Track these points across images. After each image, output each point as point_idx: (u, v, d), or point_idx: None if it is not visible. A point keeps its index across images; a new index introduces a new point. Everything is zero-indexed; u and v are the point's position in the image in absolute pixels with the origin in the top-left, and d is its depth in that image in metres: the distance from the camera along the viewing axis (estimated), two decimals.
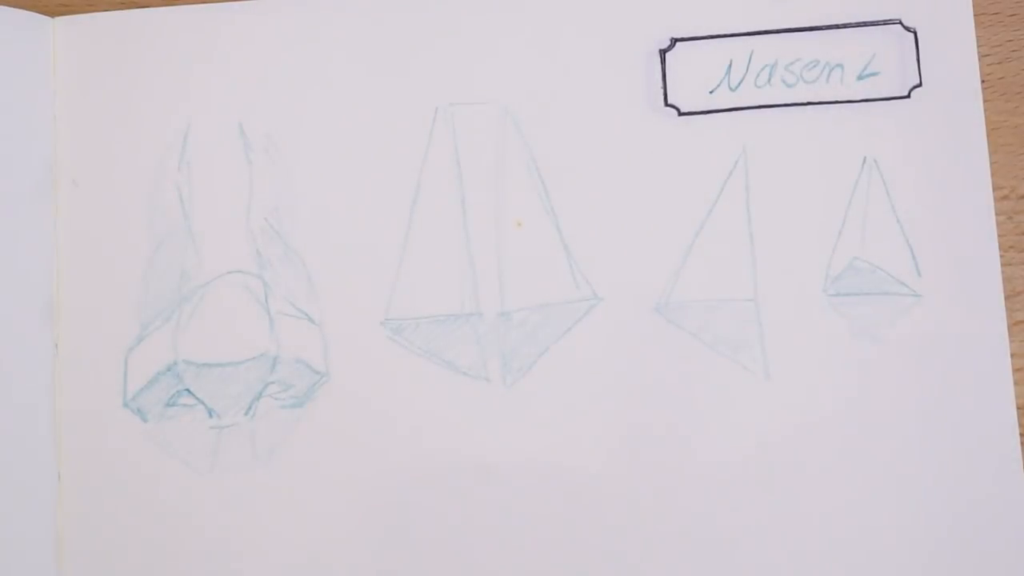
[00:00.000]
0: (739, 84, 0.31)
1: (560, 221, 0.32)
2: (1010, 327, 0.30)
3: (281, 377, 0.31)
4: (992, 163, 0.31)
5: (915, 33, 0.31)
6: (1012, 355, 0.30)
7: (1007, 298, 0.31)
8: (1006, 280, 0.31)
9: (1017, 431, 0.30)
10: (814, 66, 0.31)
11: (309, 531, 0.31)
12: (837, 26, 0.31)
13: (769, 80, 0.31)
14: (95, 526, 0.31)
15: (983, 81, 0.31)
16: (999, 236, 0.31)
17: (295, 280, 0.31)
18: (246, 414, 0.31)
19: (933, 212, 0.31)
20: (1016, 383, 0.30)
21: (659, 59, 0.32)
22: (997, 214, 0.31)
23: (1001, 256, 0.31)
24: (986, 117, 0.31)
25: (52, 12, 0.32)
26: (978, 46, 0.31)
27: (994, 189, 0.31)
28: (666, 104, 0.32)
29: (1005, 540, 0.30)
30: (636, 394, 0.31)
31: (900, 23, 0.31)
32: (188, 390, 0.31)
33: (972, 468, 0.30)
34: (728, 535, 0.30)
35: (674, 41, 0.32)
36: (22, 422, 0.30)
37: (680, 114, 0.32)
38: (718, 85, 0.32)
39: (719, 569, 0.30)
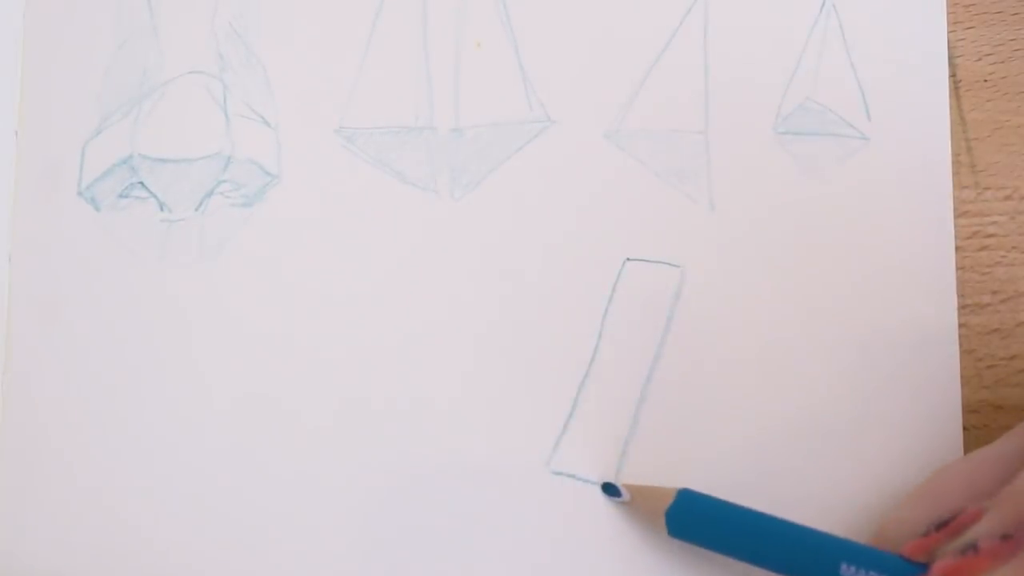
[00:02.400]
0: None
1: (519, 44, 0.32)
2: (1013, 328, 0.31)
3: (233, 176, 0.32)
4: (995, 163, 0.31)
5: None
6: (1014, 356, 0.30)
7: (1011, 298, 0.31)
8: (1009, 281, 0.31)
9: (954, 275, 0.31)
10: None
11: (250, 324, 0.31)
12: None
13: None
14: (42, 309, 0.31)
15: (985, 80, 0.31)
16: (1002, 236, 0.31)
17: (254, 84, 0.32)
18: (196, 210, 0.31)
19: (887, 58, 0.32)
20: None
21: None
22: (1000, 214, 0.31)
23: (1003, 256, 0.31)
24: (988, 117, 0.31)
25: None
26: (980, 45, 0.32)
27: (996, 189, 0.31)
28: None
29: (925, 384, 0.30)
30: (581, 216, 0.31)
31: None
32: (142, 183, 0.32)
33: (907, 307, 0.30)
34: None
35: None
36: None
37: None
38: None
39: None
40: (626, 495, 0.29)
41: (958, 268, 0.31)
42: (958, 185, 0.31)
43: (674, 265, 0.31)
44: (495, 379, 0.31)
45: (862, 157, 0.31)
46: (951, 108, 0.31)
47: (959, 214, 0.31)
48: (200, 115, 0.32)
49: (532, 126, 0.32)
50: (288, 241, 0.31)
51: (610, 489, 0.30)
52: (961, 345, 0.30)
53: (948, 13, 0.32)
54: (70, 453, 0.31)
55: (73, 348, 0.31)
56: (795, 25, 0.32)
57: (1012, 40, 0.32)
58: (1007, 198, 0.31)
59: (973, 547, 0.23)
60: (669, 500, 0.28)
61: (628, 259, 0.31)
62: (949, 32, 0.32)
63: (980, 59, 0.32)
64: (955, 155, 0.31)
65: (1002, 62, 0.32)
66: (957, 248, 0.31)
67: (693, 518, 0.28)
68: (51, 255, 0.31)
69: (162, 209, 0.31)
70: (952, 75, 0.32)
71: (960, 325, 0.30)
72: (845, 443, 0.30)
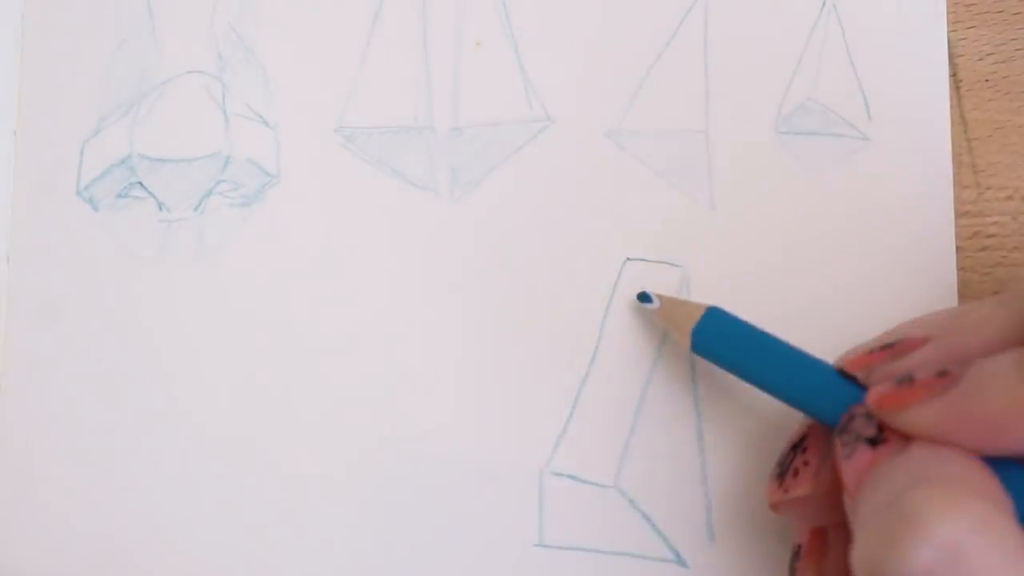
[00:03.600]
0: None
1: (518, 43, 0.32)
2: None
3: (232, 176, 0.31)
4: (996, 163, 0.31)
5: None
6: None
7: None
8: (1010, 281, 0.31)
9: (955, 275, 0.31)
10: None
11: (249, 324, 0.31)
12: None
13: None
14: (41, 308, 0.31)
15: (986, 80, 0.31)
16: (1003, 236, 0.31)
17: (253, 84, 0.32)
18: (195, 210, 0.31)
19: (888, 58, 0.31)
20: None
21: None
22: (1001, 214, 0.31)
23: (1004, 257, 0.31)
24: (990, 117, 0.31)
25: None
26: (981, 45, 0.32)
27: (998, 189, 0.31)
28: None
29: None
30: (581, 216, 0.31)
31: None
32: (140, 183, 0.31)
33: (907, 308, 0.30)
34: None
35: None
36: None
37: None
38: None
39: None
40: (657, 303, 0.29)
41: (959, 269, 0.31)
42: (959, 185, 0.31)
43: (675, 265, 0.31)
44: (495, 379, 0.31)
45: (863, 157, 0.31)
46: (952, 108, 0.31)
47: (960, 214, 0.31)
48: (199, 115, 0.32)
49: (532, 125, 0.32)
50: (287, 241, 0.31)
51: (644, 297, 0.30)
52: None
53: (949, 13, 0.32)
54: (67, 452, 0.31)
55: (72, 348, 0.31)
56: (795, 25, 0.32)
57: (1013, 40, 0.32)
58: (1008, 198, 0.31)
59: (909, 378, 0.23)
60: (698, 315, 0.28)
61: (629, 259, 0.31)
62: (950, 32, 0.32)
63: (981, 59, 0.32)
64: (956, 155, 0.31)
65: (1003, 62, 0.32)
66: (958, 248, 0.31)
67: (717, 337, 0.28)
68: (50, 255, 0.31)
69: (161, 209, 0.31)
70: (953, 75, 0.32)
71: None
72: None
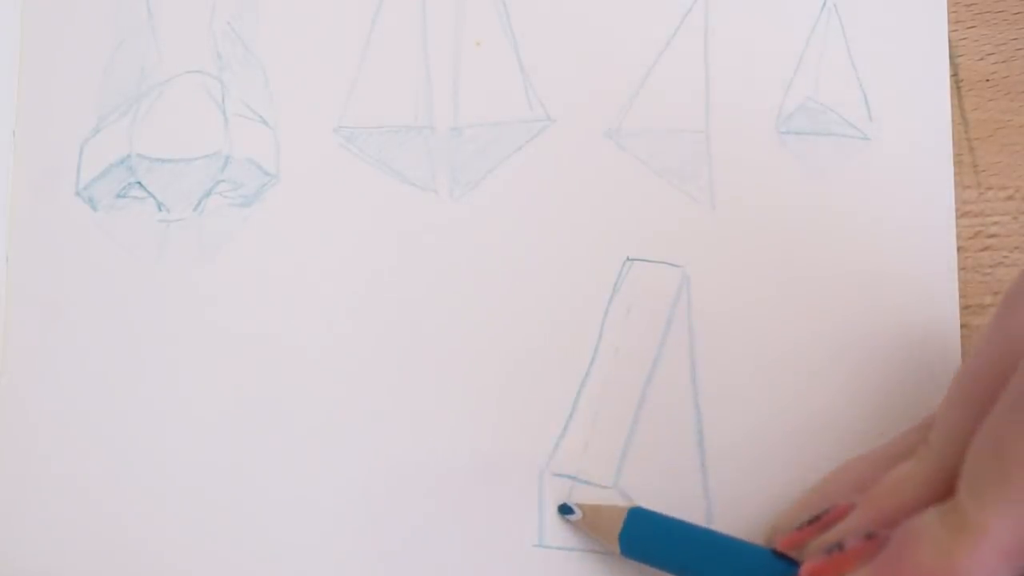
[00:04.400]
0: None
1: (518, 43, 0.32)
2: None
3: (232, 176, 0.31)
4: (997, 163, 0.31)
5: None
6: None
7: None
8: (1013, 281, 0.30)
9: (956, 276, 0.31)
10: None
11: (248, 323, 0.31)
12: None
13: None
14: (40, 309, 0.31)
15: (987, 80, 0.31)
16: (1004, 236, 0.31)
17: (252, 84, 0.32)
18: (195, 210, 0.31)
19: (888, 58, 0.31)
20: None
21: None
22: (1002, 214, 0.31)
23: (1005, 257, 0.31)
24: (991, 116, 0.31)
25: None
26: (982, 44, 0.31)
27: (999, 189, 0.31)
28: None
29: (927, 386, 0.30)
30: (581, 215, 0.31)
31: None
32: (140, 183, 0.31)
33: (909, 308, 0.30)
34: None
35: None
36: None
37: None
38: None
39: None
40: (578, 513, 0.29)
41: (960, 269, 0.31)
42: (960, 185, 0.31)
43: (675, 265, 0.31)
44: (495, 380, 0.30)
45: (863, 157, 0.31)
46: (953, 108, 0.31)
47: (961, 214, 0.31)
48: (198, 115, 0.32)
49: (532, 125, 0.32)
50: (287, 241, 0.31)
51: (565, 509, 0.29)
52: (962, 347, 0.30)
53: (950, 12, 0.32)
54: (67, 452, 0.30)
55: (71, 347, 0.31)
56: (796, 25, 0.32)
57: (1014, 39, 0.32)
58: (1009, 198, 0.31)
59: (839, 546, 0.24)
60: (621, 519, 0.28)
61: (629, 259, 0.31)
62: (951, 32, 0.32)
63: (982, 58, 0.32)
64: (957, 155, 0.31)
65: (1004, 62, 0.32)
66: (959, 249, 0.31)
67: (645, 536, 0.28)
68: (49, 255, 0.31)
69: (160, 209, 0.31)
70: (954, 75, 0.32)
71: (961, 326, 0.30)
72: (847, 444, 0.30)
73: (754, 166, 0.31)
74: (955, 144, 0.31)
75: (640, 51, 0.32)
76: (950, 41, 0.32)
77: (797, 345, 0.30)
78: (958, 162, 0.31)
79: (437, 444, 0.30)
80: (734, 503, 0.30)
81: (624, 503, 0.29)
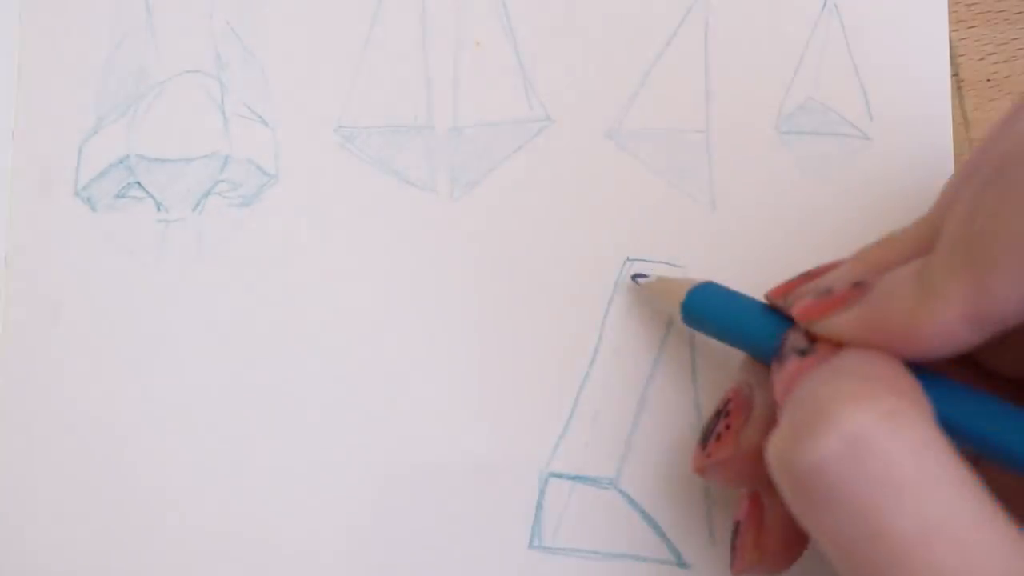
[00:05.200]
0: None
1: (518, 43, 0.32)
2: None
3: (231, 176, 0.31)
4: None
5: None
6: None
7: None
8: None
9: None
10: None
11: (248, 324, 0.31)
12: None
13: None
14: (39, 309, 0.31)
15: (988, 80, 0.31)
16: None
17: (252, 84, 0.32)
18: (194, 210, 0.31)
19: (889, 58, 0.31)
20: None
21: None
22: None
23: None
24: (992, 117, 0.31)
25: None
26: (983, 44, 0.31)
27: None
28: None
29: None
30: (581, 216, 0.31)
31: None
32: (139, 183, 0.31)
33: None
34: None
35: None
36: None
37: None
38: None
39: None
40: (652, 277, 0.29)
41: None
42: None
43: (675, 265, 0.31)
44: (495, 379, 0.30)
45: (864, 157, 0.31)
46: (954, 108, 0.31)
47: None
48: (197, 115, 0.32)
49: (532, 125, 0.31)
50: (286, 241, 0.31)
51: (637, 277, 0.30)
52: None
53: (950, 12, 0.32)
54: (67, 453, 0.30)
55: (70, 348, 0.31)
56: (796, 25, 0.32)
57: (1015, 39, 0.32)
58: None
59: (828, 290, 0.24)
60: (687, 287, 0.28)
61: (629, 259, 0.31)
62: (951, 31, 0.32)
63: (983, 58, 0.32)
64: (958, 155, 0.31)
65: (1005, 61, 0.32)
66: None
67: (703, 306, 0.28)
68: (48, 256, 0.31)
69: (159, 209, 0.31)
70: (955, 74, 0.31)
71: None
72: None
73: (754, 166, 0.31)
74: (956, 144, 0.31)
75: (640, 51, 0.32)
76: (951, 40, 0.32)
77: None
78: (959, 162, 0.31)
79: (435, 443, 0.30)
80: (736, 504, 0.30)
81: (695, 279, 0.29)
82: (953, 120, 0.31)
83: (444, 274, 0.31)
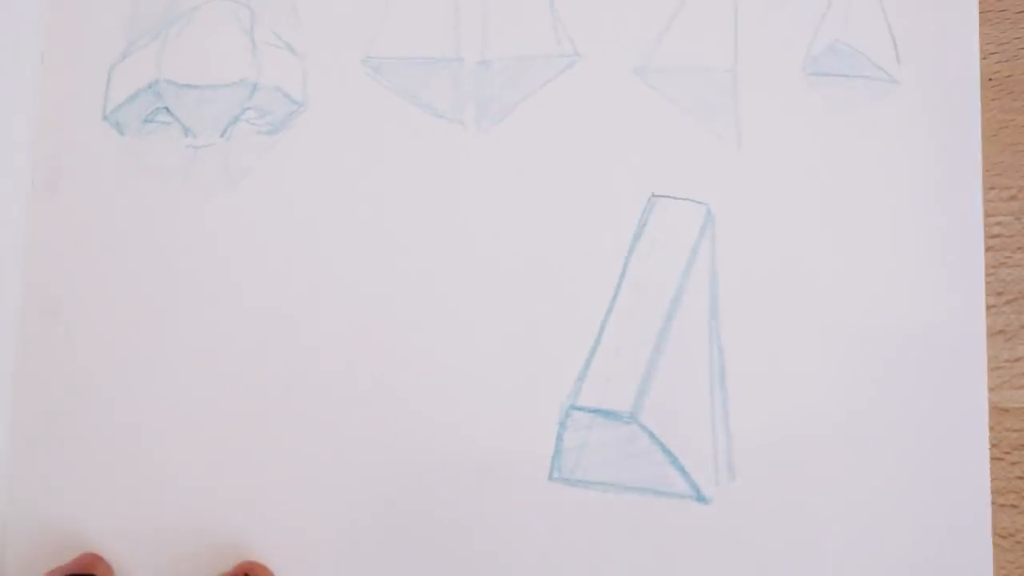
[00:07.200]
0: None
1: None
2: (1018, 329, 0.30)
3: (259, 103, 0.31)
4: (999, 163, 0.31)
5: None
6: (1018, 359, 0.30)
7: (1016, 300, 0.30)
8: (1014, 282, 0.30)
9: (981, 217, 0.30)
10: None
11: (274, 253, 0.31)
12: None
13: None
14: (67, 232, 0.31)
15: (990, 79, 0.31)
16: (1007, 236, 0.31)
17: (281, 12, 0.32)
18: (222, 136, 0.31)
19: (918, 1, 0.31)
20: None
21: None
22: (1005, 214, 0.31)
23: (1008, 257, 0.30)
24: (993, 116, 0.31)
25: None
26: (985, 44, 0.31)
27: (1001, 189, 0.31)
28: None
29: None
30: (607, 151, 0.31)
31: None
32: (167, 108, 0.31)
33: (932, 244, 0.30)
34: None
35: None
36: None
37: None
38: None
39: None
40: None
41: None
42: None
43: (700, 202, 0.31)
44: (517, 313, 0.30)
45: (891, 100, 0.31)
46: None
47: None
48: (227, 42, 0.32)
49: (560, 60, 0.31)
50: (312, 168, 0.31)
51: None
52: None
53: None
54: (94, 375, 0.30)
55: (97, 270, 0.31)
56: None
57: (1017, 39, 0.31)
58: (1012, 198, 0.31)
59: None
60: None
61: (655, 195, 0.31)
62: None
63: (985, 57, 0.31)
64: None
65: (1007, 61, 0.31)
66: None
67: None
68: (75, 179, 0.31)
69: (187, 135, 0.31)
70: None
71: None
72: (869, 379, 0.30)
73: (781, 106, 0.31)
74: None
75: None
76: None
77: (819, 282, 0.30)
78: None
79: (461, 374, 0.30)
80: (755, 441, 0.30)
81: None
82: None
83: (470, 204, 0.31)
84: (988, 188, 0.31)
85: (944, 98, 0.31)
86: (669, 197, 0.31)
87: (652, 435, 0.30)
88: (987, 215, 0.31)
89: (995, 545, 0.29)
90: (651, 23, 0.32)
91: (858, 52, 0.31)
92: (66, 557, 0.29)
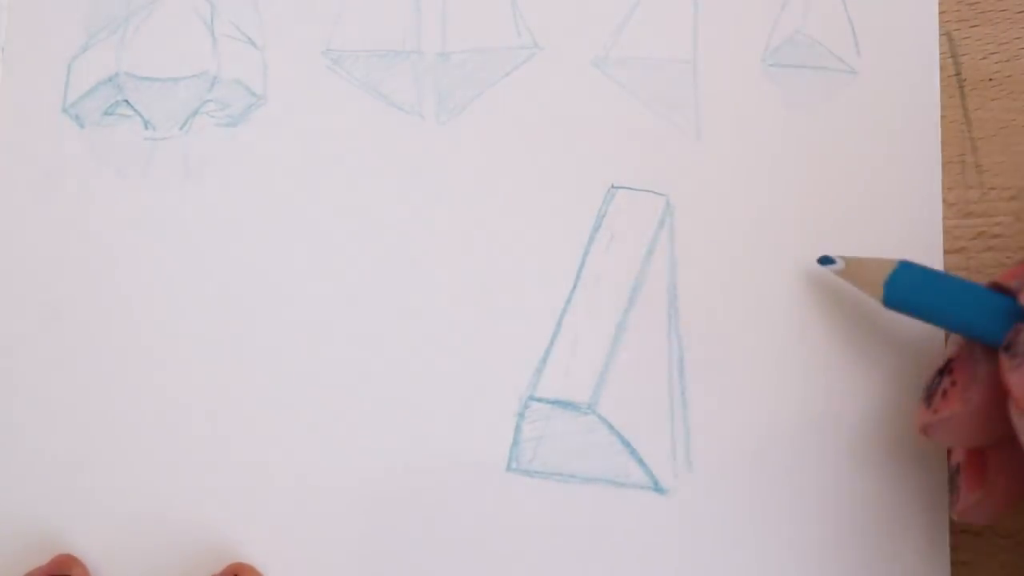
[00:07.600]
0: None
1: None
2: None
3: (219, 96, 0.31)
4: (1000, 163, 0.31)
5: None
6: None
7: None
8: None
9: (940, 209, 0.30)
10: None
11: (234, 244, 0.31)
12: None
13: None
14: (23, 222, 0.31)
15: (990, 79, 0.31)
16: (1007, 236, 0.30)
17: (241, 5, 0.32)
18: (181, 128, 0.31)
19: None
20: None
21: None
22: (1005, 214, 0.31)
23: (1009, 258, 0.30)
24: (993, 116, 0.31)
25: None
26: (985, 43, 0.31)
27: (1002, 189, 0.31)
28: None
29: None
30: (567, 143, 0.31)
31: None
32: (127, 101, 0.31)
33: (892, 239, 0.30)
34: None
35: None
36: None
37: None
38: None
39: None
40: (840, 264, 0.29)
41: (962, 270, 0.30)
42: (963, 185, 0.31)
43: (659, 193, 0.31)
44: (477, 303, 0.31)
45: (850, 91, 0.31)
46: (955, 107, 0.31)
47: (964, 214, 0.31)
48: (187, 34, 0.32)
49: (519, 52, 0.32)
50: (272, 162, 0.31)
51: (825, 260, 0.29)
52: None
53: (952, 12, 0.31)
54: (64, 372, 0.30)
55: (53, 262, 0.31)
56: None
57: (1017, 39, 0.31)
58: (1012, 198, 0.31)
59: None
60: (888, 270, 0.27)
61: (614, 186, 0.31)
62: (953, 31, 0.32)
63: (985, 57, 0.31)
64: (960, 155, 0.31)
65: (1007, 60, 0.31)
66: (962, 249, 0.30)
67: (910, 288, 0.27)
68: (34, 171, 0.31)
69: (147, 127, 0.31)
70: (956, 73, 0.31)
71: None
72: (827, 369, 0.30)
73: (740, 97, 0.31)
74: (957, 143, 0.31)
75: None
76: (953, 40, 0.31)
77: (779, 275, 0.30)
78: (960, 162, 0.31)
79: (416, 367, 0.30)
80: (713, 431, 0.30)
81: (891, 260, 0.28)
82: (954, 119, 0.31)
83: (429, 197, 0.31)
84: (988, 188, 0.31)
85: (904, 88, 0.31)
86: (629, 188, 0.31)
87: (610, 426, 0.30)
88: (987, 215, 0.31)
89: (995, 545, 0.29)
90: (611, 15, 0.32)
91: (817, 43, 0.31)
92: (42, 559, 0.29)
